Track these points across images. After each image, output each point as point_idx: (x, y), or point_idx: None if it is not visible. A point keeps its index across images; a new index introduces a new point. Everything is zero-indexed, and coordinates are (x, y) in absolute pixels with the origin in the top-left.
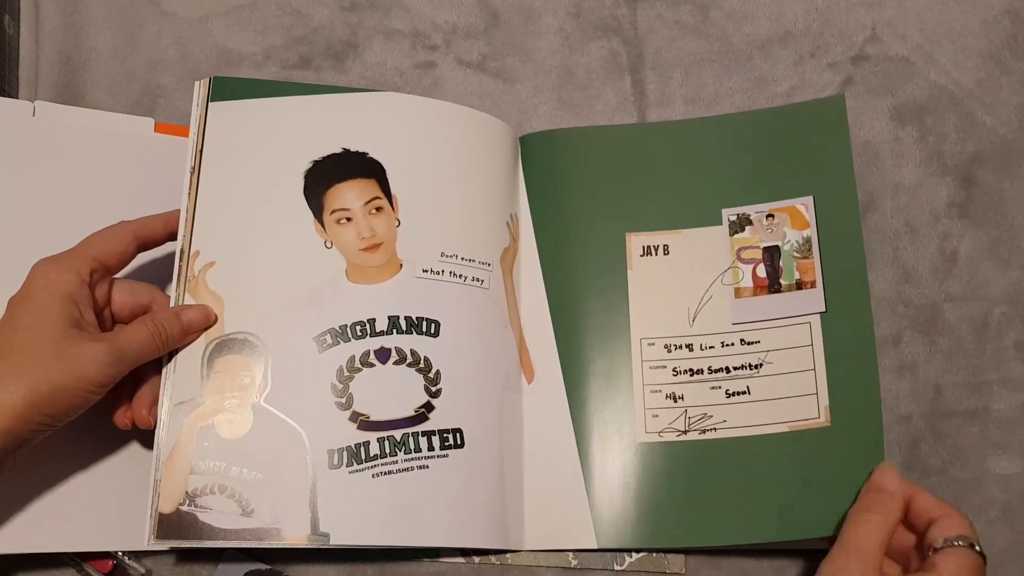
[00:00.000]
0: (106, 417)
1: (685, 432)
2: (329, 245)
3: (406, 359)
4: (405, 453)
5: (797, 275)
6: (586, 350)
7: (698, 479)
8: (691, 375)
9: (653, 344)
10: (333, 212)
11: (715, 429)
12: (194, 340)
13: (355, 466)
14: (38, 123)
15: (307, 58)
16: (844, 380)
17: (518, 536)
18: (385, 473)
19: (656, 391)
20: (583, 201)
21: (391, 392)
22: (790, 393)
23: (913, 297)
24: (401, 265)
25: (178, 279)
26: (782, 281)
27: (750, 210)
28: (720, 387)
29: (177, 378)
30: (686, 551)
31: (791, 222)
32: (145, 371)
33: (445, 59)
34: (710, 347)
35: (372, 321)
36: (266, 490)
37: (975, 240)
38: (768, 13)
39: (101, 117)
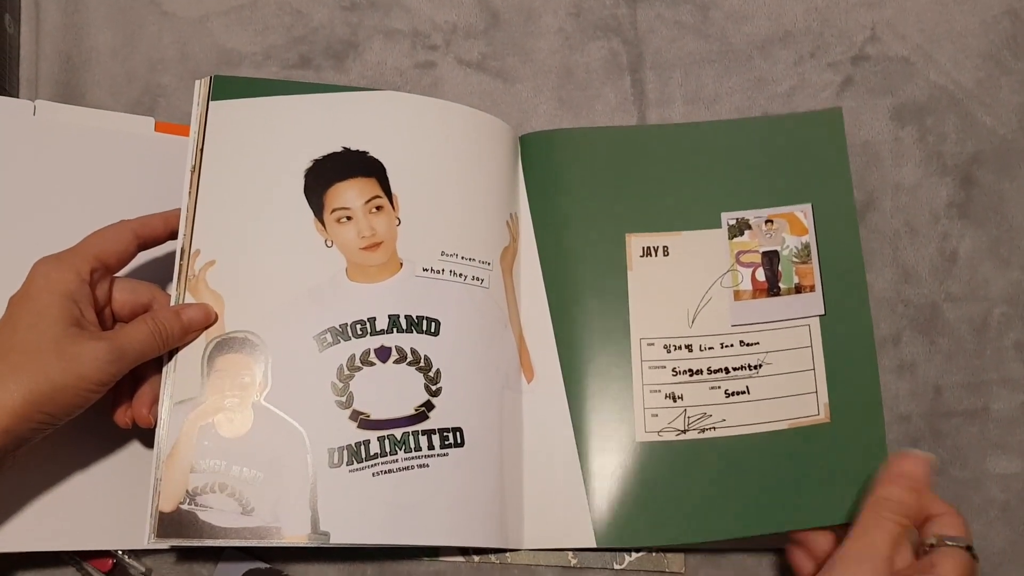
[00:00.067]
0: (106, 416)
1: (684, 431)
2: (329, 244)
3: (406, 358)
4: (405, 452)
5: (796, 279)
6: (586, 350)
7: (698, 477)
8: (690, 375)
9: (653, 344)
10: (333, 211)
11: (714, 428)
12: (194, 339)
13: (355, 465)
14: (38, 122)
15: (307, 58)
16: (844, 379)
17: (518, 535)
18: (385, 472)
19: (656, 391)
20: (583, 201)
21: (391, 391)
22: (789, 392)
23: (913, 297)
24: (401, 264)
25: (178, 278)
26: (781, 285)
27: (749, 215)
28: (719, 387)
29: (177, 377)
30: (686, 550)
31: (790, 228)
32: (145, 370)
33: (445, 59)
34: (709, 348)
35: (372, 320)
36: (266, 489)
37: (975, 240)
38: (768, 13)
39: (101, 116)
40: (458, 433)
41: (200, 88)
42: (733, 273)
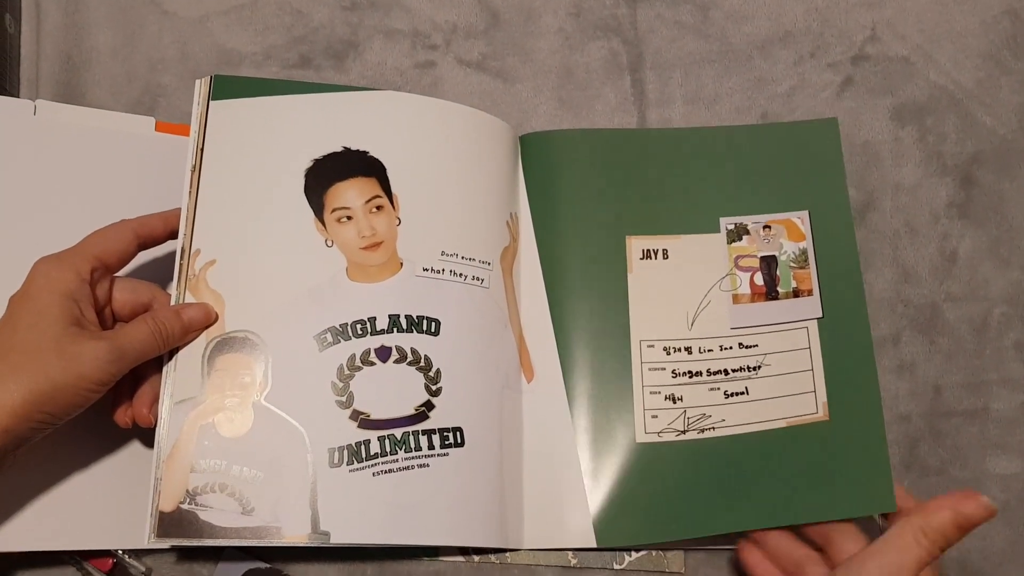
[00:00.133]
0: (107, 415)
1: (684, 432)
2: (330, 244)
3: (406, 358)
4: (405, 452)
5: (794, 284)
6: (586, 350)
7: (697, 477)
8: (690, 377)
9: (652, 346)
10: (334, 211)
11: (714, 428)
12: (195, 338)
13: (355, 464)
14: (39, 122)
15: (307, 58)
16: (842, 379)
17: (518, 535)
18: (385, 472)
19: (655, 392)
20: (583, 202)
21: (391, 391)
22: (788, 392)
23: (913, 297)
24: (401, 264)
25: (179, 277)
26: (779, 289)
27: (747, 220)
28: (719, 388)
29: (178, 376)
30: (685, 549)
31: (787, 234)
32: (146, 369)
33: (445, 59)
34: (709, 350)
35: (372, 320)
36: (266, 489)
37: (975, 240)
38: (768, 13)
39: (102, 116)
40: (458, 433)
41: (200, 88)
42: (732, 277)
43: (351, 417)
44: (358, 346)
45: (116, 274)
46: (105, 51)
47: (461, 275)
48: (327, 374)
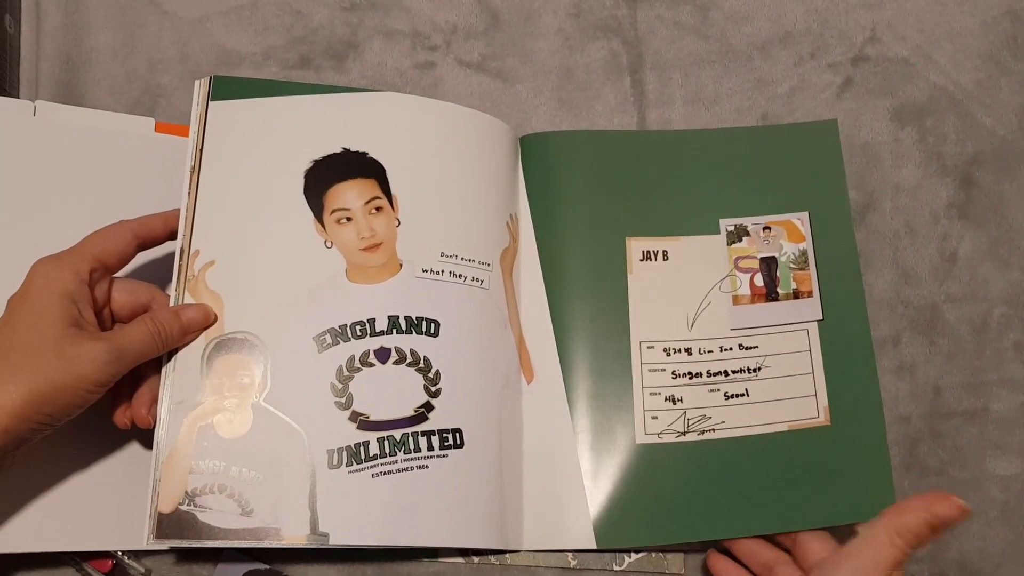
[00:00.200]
0: (105, 416)
1: (684, 433)
2: (329, 245)
3: (406, 359)
4: (405, 453)
5: (794, 285)
6: (585, 351)
7: (697, 478)
8: (690, 378)
9: (652, 347)
10: (333, 212)
11: (714, 430)
12: (194, 339)
13: (355, 466)
14: (39, 123)
15: (307, 58)
16: (843, 382)
17: (517, 536)
18: (384, 473)
19: (655, 393)
20: (583, 203)
21: (391, 392)
22: (789, 395)
23: (913, 298)
24: (401, 265)
25: (178, 278)
26: (779, 291)
27: (747, 221)
28: (719, 390)
29: (177, 377)
30: (685, 550)
31: (787, 235)
32: (145, 370)
33: (445, 59)
34: (709, 351)
35: (372, 321)
36: (265, 490)
37: (975, 241)
38: (768, 14)
39: (101, 117)
40: (458, 434)
41: (199, 88)
42: (732, 278)
43: (350, 418)
44: (357, 347)
45: (115, 275)
46: (105, 51)
47: (461, 276)
48: (326, 375)
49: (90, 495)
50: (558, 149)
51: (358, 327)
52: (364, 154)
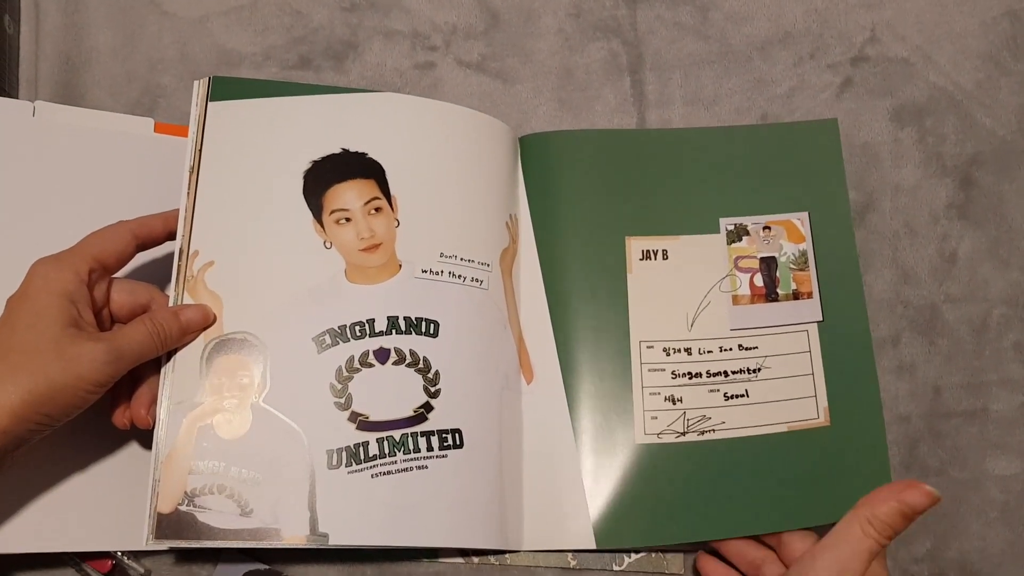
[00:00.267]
0: (105, 417)
1: (684, 434)
2: (328, 245)
3: (405, 359)
4: (404, 453)
5: (794, 286)
6: (585, 351)
7: (697, 479)
8: (690, 378)
9: (652, 347)
10: (332, 212)
11: (713, 430)
12: (193, 340)
13: (354, 466)
14: (38, 123)
15: (307, 58)
16: (842, 383)
17: (517, 536)
18: (384, 473)
19: (655, 393)
20: (583, 203)
21: (390, 392)
22: (788, 396)
23: (912, 298)
24: (400, 265)
25: (177, 279)
26: (779, 291)
27: (747, 221)
28: (719, 390)
29: (176, 378)
30: (685, 550)
31: (787, 235)
32: (144, 371)
33: (445, 60)
34: (708, 351)
35: (371, 321)
36: (265, 490)
37: (974, 241)
38: (768, 14)
39: (101, 117)
40: (457, 435)
41: (199, 89)
42: (732, 278)
43: (350, 419)
44: (357, 348)
45: (114, 275)
46: (104, 52)
47: (460, 276)
48: (326, 376)
49: (89, 495)
50: (558, 149)
51: (357, 327)
52: (363, 155)
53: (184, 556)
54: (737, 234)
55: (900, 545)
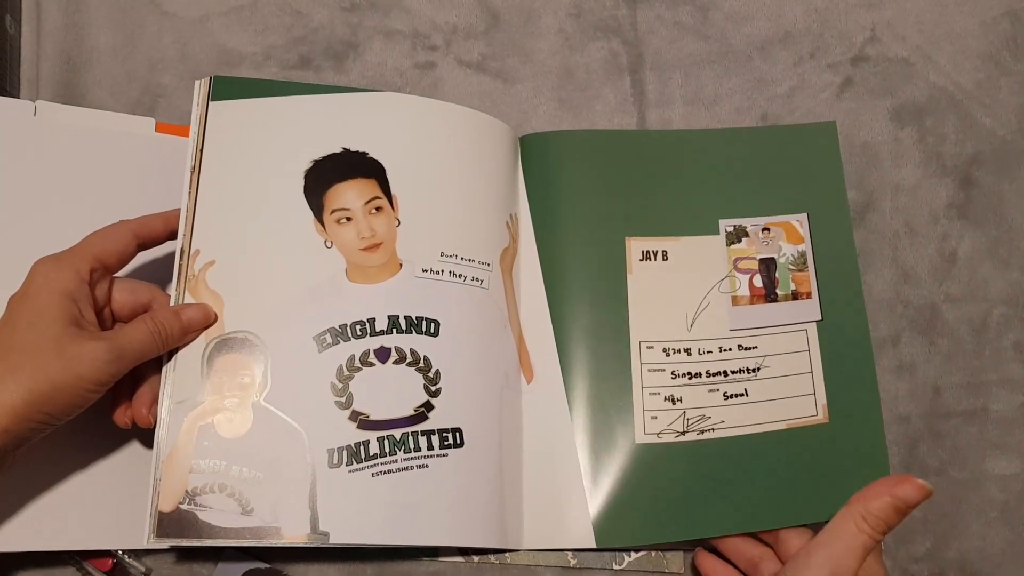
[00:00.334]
0: (106, 416)
1: (683, 433)
2: (329, 245)
3: (406, 358)
4: (404, 452)
5: (793, 286)
6: (585, 351)
7: (696, 477)
8: (689, 378)
9: (652, 347)
10: (333, 212)
11: (713, 430)
12: (194, 339)
13: (355, 465)
14: (39, 123)
15: (307, 58)
16: (842, 381)
17: (517, 535)
18: (384, 472)
19: (655, 393)
20: (583, 203)
21: (391, 391)
22: (788, 394)
23: (912, 298)
24: (401, 265)
25: (178, 278)
26: (778, 292)
27: (746, 222)
28: (718, 390)
29: (177, 377)
30: (685, 549)
31: (786, 236)
32: (145, 370)
33: (445, 59)
34: (708, 351)
35: (372, 320)
36: (266, 489)
37: (974, 241)
38: (768, 14)
39: (102, 117)
40: (457, 434)
41: (200, 89)
42: (731, 279)
43: (350, 418)
44: (357, 347)
45: (116, 275)
46: (105, 51)
47: (460, 276)
48: (326, 375)
49: (90, 494)
50: (558, 149)
51: (358, 327)
52: (364, 154)
53: (185, 555)
54: (736, 235)
55: (900, 545)
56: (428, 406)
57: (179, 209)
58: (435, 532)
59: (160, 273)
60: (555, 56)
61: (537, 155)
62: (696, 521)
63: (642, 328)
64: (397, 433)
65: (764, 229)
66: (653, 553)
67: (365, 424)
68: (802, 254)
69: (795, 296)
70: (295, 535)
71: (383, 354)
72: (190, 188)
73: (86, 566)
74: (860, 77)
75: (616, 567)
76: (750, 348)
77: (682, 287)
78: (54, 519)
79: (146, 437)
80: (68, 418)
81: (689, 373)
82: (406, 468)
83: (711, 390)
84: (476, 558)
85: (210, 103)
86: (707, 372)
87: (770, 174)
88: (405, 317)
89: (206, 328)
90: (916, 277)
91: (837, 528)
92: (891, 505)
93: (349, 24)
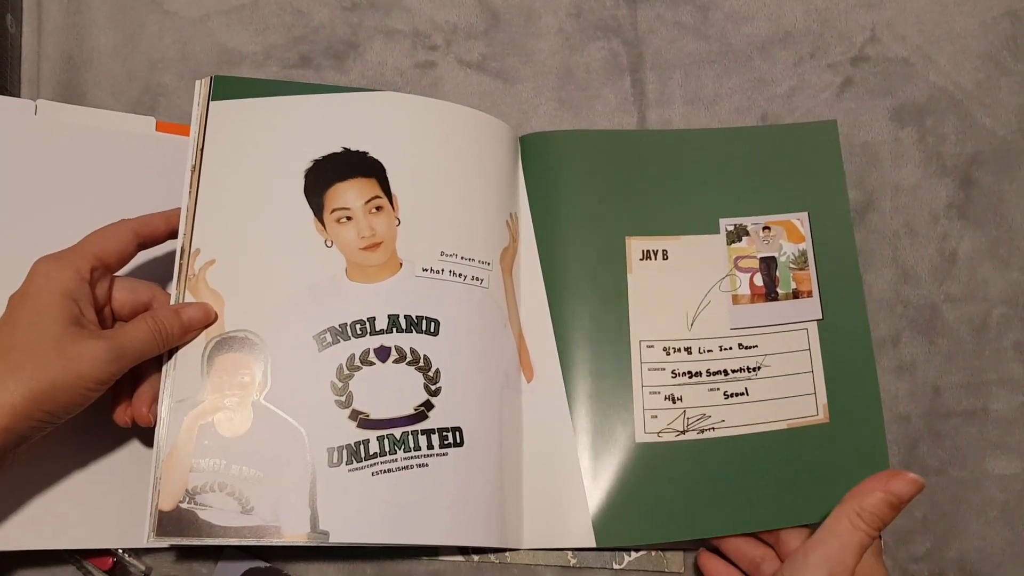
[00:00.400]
0: (106, 415)
1: (684, 432)
2: (329, 244)
3: (406, 358)
4: (404, 451)
5: (794, 285)
6: (585, 350)
7: (697, 477)
8: (690, 377)
9: (652, 346)
10: (333, 211)
11: (713, 429)
12: (194, 338)
13: (354, 464)
14: (40, 122)
15: (308, 58)
16: (842, 381)
17: (517, 535)
18: (384, 471)
19: (655, 392)
20: (583, 202)
21: (391, 390)
22: (788, 393)
23: (912, 298)
24: (401, 264)
25: (178, 277)
26: (779, 290)
27: (747, 221)
28: (718, 389)
29: (177, 376)
30: (685, 549)
31: (787, 235)
32: (145, 369)
33: (445, 59)
34: (708, 350)
35: (372, 320)
36: (266, 488)
37: (974, 241)
38: (768, 14)
39: (103, 116)
40: (457, 433)
41: (200, 88)
42: (731, 278)
43: (350, 417)
44: (357, 346)
45: (116, 274)
46: (106, 51)
47: (460, 275)
48: (326, 374)
49: (91, 493)
50: (558, 149)
51: (358, 326)
52: (364, 153)
53: (185, 554)
54: (737, 234)
55: (900, 545)
56: (428, 405)
57: (179, 208)
58: (435, 531)
59: (160, 272)
60: (555, 56)
61: (537, 155)
62: (696, 521)
63: (642, 327)
64: (397, 432)
65: (765, 228)
66: (653, 553)
67: (365, 423)
68: (803, 253)
69: (796, 295)
70: (295, 534)
71: (383, 353)
72: (190, 187)
73: (86, 565)
74: (860, 77)
75: (616, 567)
76: (750, 347)
77: (682, 286)
78: (54, 518)
79: (146, 436)
80: (68, 417)
81: (689, 372)
82: (406, 467)
83: (711, 389)
84: (476, 557)
85: (211, 103)
86: (707, 371)
87: (771, 173)
88: (405, 316)
89: (206, 327)
90: (916, 277)
91: (832, 526)
92: (885, 501)
93: (349, 23)
